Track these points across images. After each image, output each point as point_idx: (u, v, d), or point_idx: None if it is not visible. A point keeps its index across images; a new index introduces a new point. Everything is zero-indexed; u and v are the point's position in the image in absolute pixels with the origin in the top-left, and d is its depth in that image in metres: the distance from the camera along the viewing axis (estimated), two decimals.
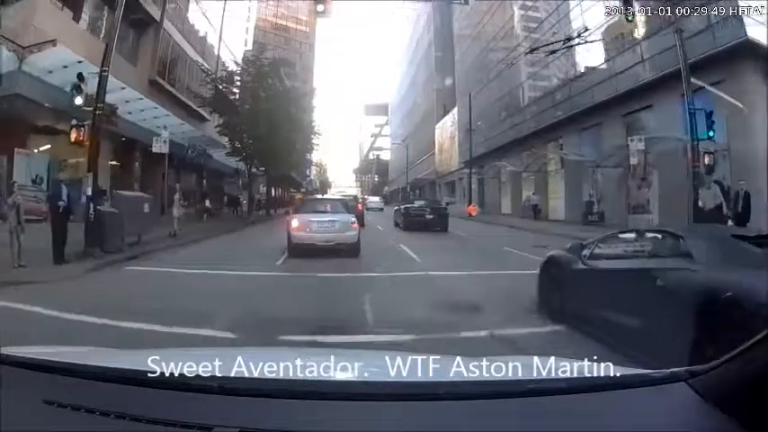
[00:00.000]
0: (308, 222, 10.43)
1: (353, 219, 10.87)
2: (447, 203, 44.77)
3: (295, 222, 10.52)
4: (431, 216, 18.49)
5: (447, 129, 46.43)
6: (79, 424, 1.07)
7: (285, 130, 23.20)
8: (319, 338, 4.25)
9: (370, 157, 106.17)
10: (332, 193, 48.50)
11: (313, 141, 30.41)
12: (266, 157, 24.65)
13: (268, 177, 31.30)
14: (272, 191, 41.80)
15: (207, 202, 24.03)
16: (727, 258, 3.51)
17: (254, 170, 30.54)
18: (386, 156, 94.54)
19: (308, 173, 72.71)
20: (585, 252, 4.90)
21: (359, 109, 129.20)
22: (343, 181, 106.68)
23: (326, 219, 10.58)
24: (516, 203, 29.01)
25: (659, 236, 4.38)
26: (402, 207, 21.12)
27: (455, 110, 42.36)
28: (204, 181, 27.22)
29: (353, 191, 63.30)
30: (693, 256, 3.61)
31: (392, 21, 76.96)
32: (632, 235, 4.98)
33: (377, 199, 45.88)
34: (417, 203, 20.66)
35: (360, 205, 21.86)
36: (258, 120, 21.83)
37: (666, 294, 3.52)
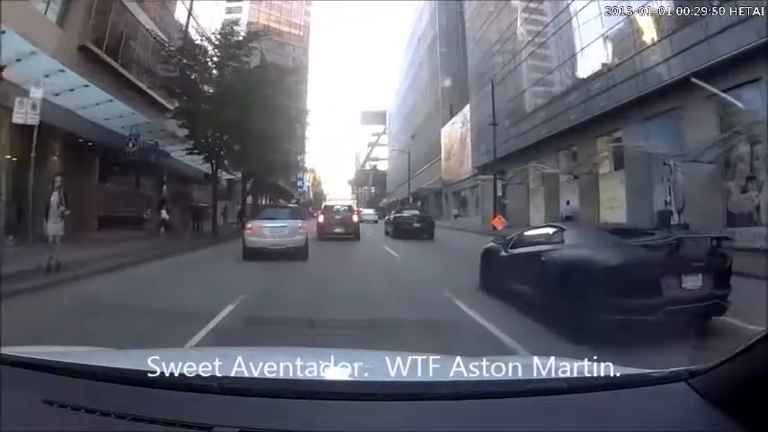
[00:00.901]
0: (260, 228, 11.29)
1: (301, 224, 11.80)
2: (455, 216, 40.34)
3: (249, 228, 11.44)
4: (418, 224, 19.75)
5: (456, 131, 41.16)
6: (79, 424, 1.05)
7: (267, 122, 17.85)
8: None
9: (367, 167, 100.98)
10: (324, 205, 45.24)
11: (305, 134, 24.73)
12: (239, 157, 19.25)
13: (244, 184, 25.96)
14: (260, 201, 36.46)
15: (164, 213, 18.66)
16: (582, 242, 5.40)
17: (230, 176, 25.27)
18: (383, 166, 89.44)
19: (300, 183, 67.50)
20: (509, 243, 6.84)
21: (355, 118, 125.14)
22: (338, 193, 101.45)
23: (277, 225, 11.40)
24: (553, 215, 23.65)
25: (551, 230, 6.17)
26: (392, 217, 22.21)
27: (467, 108, 37.21)
28: (164, 186, 21.75)
29: (349, 203, 59.06)
30: (564, 240, 5.53)
31: (390, 22, 72.92)
32: (538, 231, 6.90)
33: (371, 211, 44.15)
34: (407, 213, 21.34)
35: (356, 215, 20.55)
36: (225, 104, 16.42)
37: (545, 266, 5.39)
